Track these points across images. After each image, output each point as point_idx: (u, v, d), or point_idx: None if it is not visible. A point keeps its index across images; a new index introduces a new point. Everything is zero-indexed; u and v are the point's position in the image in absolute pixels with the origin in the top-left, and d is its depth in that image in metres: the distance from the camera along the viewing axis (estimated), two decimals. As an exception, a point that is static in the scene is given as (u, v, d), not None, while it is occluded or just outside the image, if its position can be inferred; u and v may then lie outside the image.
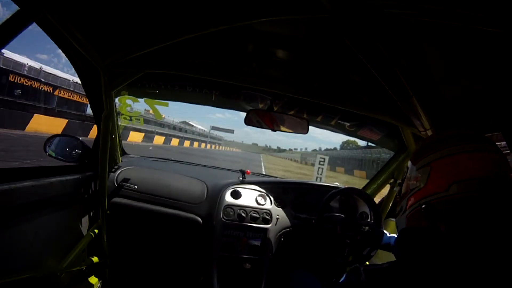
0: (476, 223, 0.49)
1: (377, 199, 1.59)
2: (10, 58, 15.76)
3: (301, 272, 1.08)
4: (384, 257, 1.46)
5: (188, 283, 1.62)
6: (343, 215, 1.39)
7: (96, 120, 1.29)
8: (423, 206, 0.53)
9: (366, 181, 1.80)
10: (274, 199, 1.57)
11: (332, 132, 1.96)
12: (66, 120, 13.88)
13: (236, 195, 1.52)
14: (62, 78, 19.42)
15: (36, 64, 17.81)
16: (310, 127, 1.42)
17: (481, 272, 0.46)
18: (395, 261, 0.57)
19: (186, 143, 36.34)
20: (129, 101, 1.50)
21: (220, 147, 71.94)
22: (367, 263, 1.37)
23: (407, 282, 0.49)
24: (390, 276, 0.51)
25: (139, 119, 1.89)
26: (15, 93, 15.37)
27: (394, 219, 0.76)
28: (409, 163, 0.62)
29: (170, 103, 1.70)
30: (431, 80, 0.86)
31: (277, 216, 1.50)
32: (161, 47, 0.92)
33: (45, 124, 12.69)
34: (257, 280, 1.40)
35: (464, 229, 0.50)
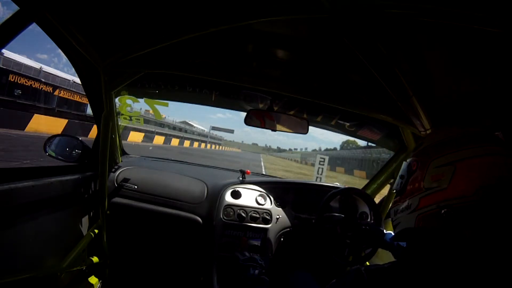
0: (506, 232, 0.47)
1: (377, 199, 1.59)
2: (10, 58, 15.76)
3: (301, 274, 1.08)
4: (384, 257, 1.46)
5: (188, 283, 1.62)
6: (343, 215, 1.39)
7: (96, 120, 1.29)
8: (444, 210, 0.50)
9: (366, 181, 1.80)
10: (274, 199, 1.56)
11: (332, 132, 1.96)
12: (66, 120, 13.88)
13: (236, 195, 1.52)
14: (62, 78, 19.42)
15: (36, 64, 17.81)
16: (310, 127, 1.42)
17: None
18: (396, 261, 0.56)
19: (186, 143, 36.35)
20: (129, 101, 1.50)
21: (220, 147, 71.94)
22: (367, 263, 1.37)
23: (410, 283, 0.48)
24: (392, 276, 0.50)
25: (139, 119, 1.89)
26: (15, 93, 15.38)
27: None
28: (418, 157, 0.57)
29: (170, 103, 1.71)
30: (431, 80, 0.86)
31: (277, 216, 1.50)
32: (161, 47, 0.92)
33: (45, 124, 12.69)
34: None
35: (493, 237, 0.48)
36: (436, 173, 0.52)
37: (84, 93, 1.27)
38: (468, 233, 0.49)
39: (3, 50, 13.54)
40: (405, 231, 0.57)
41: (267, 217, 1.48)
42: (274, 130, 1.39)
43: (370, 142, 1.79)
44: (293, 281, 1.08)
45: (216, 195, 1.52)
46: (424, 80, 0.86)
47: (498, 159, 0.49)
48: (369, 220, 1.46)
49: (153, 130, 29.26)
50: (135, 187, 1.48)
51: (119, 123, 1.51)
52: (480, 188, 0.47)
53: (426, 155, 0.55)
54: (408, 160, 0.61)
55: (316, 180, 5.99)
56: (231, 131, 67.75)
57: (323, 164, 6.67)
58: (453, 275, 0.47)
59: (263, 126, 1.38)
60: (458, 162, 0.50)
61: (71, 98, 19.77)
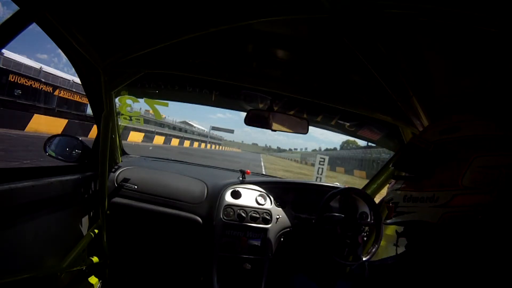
0: None
1: (377, 199, 1.59)
2: (10, 58, 15.76)
3: (300, 277, 1.08)
4: (384, 255, 1.46)
5: (188, 283, 1.62)
6: (343, 215, 1.39)
7: (96, 120, 1.29)
8: (481, 216, 0.46)
9: (366, 181, 1.80)
10: (274, 199, 1.56)
11: (332, 132, 1.96)
12: (66, 120, 13.88)
13: (236, 195, 1.52)
14: (62, 78, 19.42)
15: (36, 64, 17.81)
16: (310, 127, 1.42)
17: None
18: (401, 257, 0.55)
19: (186, 143, 36.34)
20: (129, 101, 1.51)
21: (220, 147, 71.90)
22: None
23: (415, 281, 0.48)
24: (395, 273, 0.50)
25: (139, 119, 1.89)
26: (15, 93, 15.38)
27: None
28: (453, 146, 0.50)
29: (170, 103, 1.71)
30: (431, 80, 0.86)
31: (277, 216, 1.50)
32: (161, 47, 0.92)
33: (45, 124, 12.68)
34: (257, 280, 1.40)
35: None
36: (480, 174, 0.46)
37: (84, 93, 1.27)
38: (500, 241, 0.46)
39: (3, 50, 13.54)
40: (423, 225, 0.52)
41: (267, 217, 1.48)
42: (274, 130, 1.39)
43: (370, 142, 1.79)
44: (291, 284, 1.08)
45: (216, 195, 1.52)
46: (424, 80, 0.86)
47: None
48: (369, 220, 1.46)
49: (153, 130, 29.25)
50: (135, 187, 1.48)
51: (119, 123, 1.51)
52: None
53: (468, 148, 0.49)
54: (433, 140, 0.53)
55: (316, 180, 5.99)
56: (231, 131, 67.80)
57: (323, 164, 6.67)
58: (469, 280, 0.45)
59: (263, 126, 1.38)
60: (505, 168, 0.46)
61: (71, 98, 19.77)
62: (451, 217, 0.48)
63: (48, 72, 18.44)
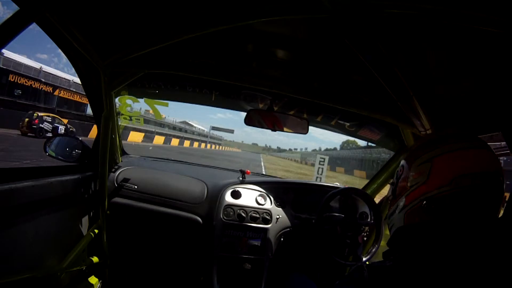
0: (480, 214, 0.52)
1: (377, 199, 1.59)
2: (10, 58, 15.77)
3: (298, 275, 1.08)
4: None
5: (188, 283, 1.62)
6: (343, 215, 1.39)
7: (96, 120, 1.29)
8: (424, 202, 0.54)
9: (366, 181, 1.80)
10: (274, 199, 1.56)
11: (332, 132, 1.96)
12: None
13: (236, 195, 1.52)
14: (62, 78, 19.45)
15: (36, 64, 17.82)
16: (310, 127, 1.42)
17: (483, 268, 0.47)
18: (398, 259, 0.56)
19: (186, 143, 36.36)
20: (129, 101, 1.50)
21: (220, 147, 71.87)
22: (367, 262, 1.37)
23: (409, 282, 0.49)
24: (392, 275, 0.51)
25: (139, 119, 1.89)
26: (15, 93, 15.40)
27: None
28: (404, 162, 0.63)
29: (170, 103, 1.70)
30: (431, 80, 0.86)
31: (277, 216, 1.50)
32: (161, 47, 0.92)
33: (45, 124, 12.67)
34: (257, 280, 1.40)
35: (470, 222, 0.51)
36: (418, 171, 0.57)
37: (84, 93, 1.27)
38: (454, 221, 0.52)
39: (3, 50, 13.55)
40: (397, 231, 0.61)
41: (267, 217, 1.48)
42: (274, 130, 1.39)
43: (370, 142, 1.79)
44: (290, 284, 1.08)
45: (216, 195, 1.52)
46: (424, 80, 0.86)
47: (465, 152, 0.54)
48: (369, 220, 1.46)
49: (153, 130, 29.28)
50: (135, 187, 1.48)
51: (119, 123, 1.51)
52: (454, 178, 0.52)
53: (411, 158, 0.61)
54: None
55: (316, 180, 5.99)
56: (231, 131, 67.74)
57: (323, 164, 6.67)
58: (444, 267, 0.48)
59: (263, 126, 1.38)
60: (434, 158, 0.55)
61: (71, 98, 19.80)
62: (408, 214, 0.58)
63: (48, 72, 18.47)
